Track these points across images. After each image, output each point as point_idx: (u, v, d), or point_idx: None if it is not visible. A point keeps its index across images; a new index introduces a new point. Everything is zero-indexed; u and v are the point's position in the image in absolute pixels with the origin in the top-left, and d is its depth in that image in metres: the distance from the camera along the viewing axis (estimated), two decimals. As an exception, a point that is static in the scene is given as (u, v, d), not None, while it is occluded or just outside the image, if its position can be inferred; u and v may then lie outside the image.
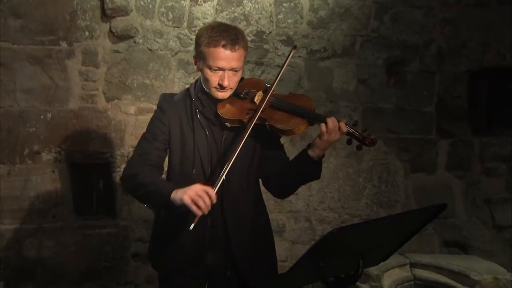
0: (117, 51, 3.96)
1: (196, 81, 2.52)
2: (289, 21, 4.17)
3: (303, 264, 1.98)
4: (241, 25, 4.08)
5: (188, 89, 2.53)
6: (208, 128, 2.44)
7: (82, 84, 3.93)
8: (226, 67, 2.34)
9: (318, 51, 4.24)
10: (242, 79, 2.50)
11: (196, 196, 2.15)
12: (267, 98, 2.40)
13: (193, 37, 3.59)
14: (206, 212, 2.16)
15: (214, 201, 2.18)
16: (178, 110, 2.46)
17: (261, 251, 2.57)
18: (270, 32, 4.15)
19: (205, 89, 2.43)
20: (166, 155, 2.51)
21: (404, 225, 2.18)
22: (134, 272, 3.97)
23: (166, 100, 2.51)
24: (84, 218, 4.02)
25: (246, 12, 4.10)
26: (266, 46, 4.15)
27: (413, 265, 4.09)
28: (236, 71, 2.38)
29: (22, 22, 3.80)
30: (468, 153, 4.54)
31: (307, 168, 2.43)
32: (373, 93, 4.37)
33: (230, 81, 2.37)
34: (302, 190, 4.28)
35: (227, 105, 2.42)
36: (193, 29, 3.97)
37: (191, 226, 2.16)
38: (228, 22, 4.03)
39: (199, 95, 2.46)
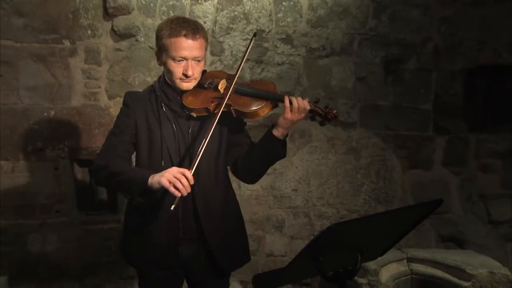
0: (119, 49, 3.96)
1: (159, 77, 2.55)
2: (289, 19, 4.16)
3: (302, 259, 1.99)
4: (241, 24, 4.09)
5: (152, 85, 2.55)
6: (175, 120, 2.47)
7: (85, 82, 3.93)
8: (189, 56, 2.38)
9: (317, 49, 4.23)
10: (204, 71, 2.53)
11: (174, 178, 2.16)
12: (233, 84, 2.43)
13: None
14: (185, 193, 2.17)
15: (192, 181, 2.19)
16: (144, 105, 2.49)
17: (233, 236, 2.58)
18: (270, 30, 4.14)
19: (169, 81, 2.46)
20: (134, 151, 2.52)
21: (401, 221, 2.19)
22: (136, 267, 3.97)
23: (130, 96, 2.55)
24: (87, 213, 4.02)
25: (246, 10, 4.09)
26: (265, 45, 4.15)
27: (410, 259, 4.10)
28: (198, 60, 2.42)
29: (26, 21, 3.79)
30: (464, 149, 4.54)
31: (272, 147, 2.44)
32: (371, 90, 4.37)
33: (194, 70, 2.41)
34: (301, 186, 4.31)
35: (192, 96, 2.45)
36: (193, 27, 3.97)
37: (172, 207, 2.17)
38: (228, 21, 4.06)
39: (164, 89, 2.48)
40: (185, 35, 2.35)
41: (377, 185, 4.44)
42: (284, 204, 4.31)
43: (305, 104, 2.36)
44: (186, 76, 2.40)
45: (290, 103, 2.35)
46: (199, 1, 4.01)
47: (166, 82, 2.49)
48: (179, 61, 2.38)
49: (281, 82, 4.16)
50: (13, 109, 3.83)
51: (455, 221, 4.53)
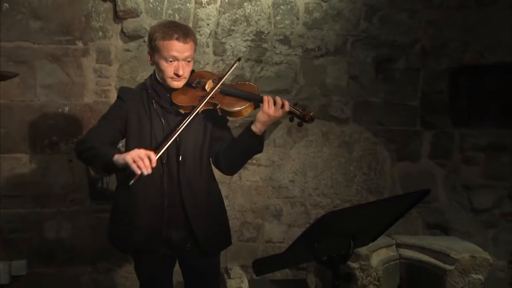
0: (128, 50, 3.96)
1: (151, 75, 2.57)
2: (286, 22, 4.16)
3: (298, 245, 2.00)
4: (242, 26, 4.08)
5: (144, 83, 2.57)
6: (164, 116, 2.49)
7: (96, 80, 3.93)
8: (180, 57, 2.41)
9: (313, 50, 4.23)
10: (192, 71, 2.55)
11: (138, 157, 2.19)
12: (219, 84, 2.48)
13: (198, 36, 3.59)
14: (145, 172, 2.19)
15: (154, 164, 2.22)
16: (136, 101, 2.51)
17: (216, 222, 2.61)
18: (269, 32, 4.14)
19: (161, 80, 2.48)
20: (120, 139, 2.54)
21: (391, 209, 2.19)
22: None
23: (124, 91, 2.58)
24: (98, 203, 4.01)
25: (246, 13, 4.09)
26: (265, 45, 4.15)
27: (399, 245, 4.11)
28: (188, 61, 2.46)
29: (42, 24, 3.80)
30: (449, 143, 4.52)
31: (250, 142, 2.48)
32: (363, 88, 4.36)
33: (184, 70, 2.44)
34: (298, 178, 4.32)
35: (181, 94, 2.49)
36: (197, 29, 3.97)
37: (131, 183, 2.22)
38: (230, 23, 4.06)
39: (155, 87, 2.50)
40: (177, 38, 2.39)
41: (369, 176, 4.44)
42: (282, 194, 4.31)
43: (283, 102, 2.42)
44: (177, 75, 2.43)
45: (268, 101, 2.42)
46: (203, 5, 4.00)
47: (157, 81, 2.51)
48: (171, 61, 2.41)
49: (279, 80, 4.16)
50: (31, 106, 3.84)
51: (441, 209, 4.53)
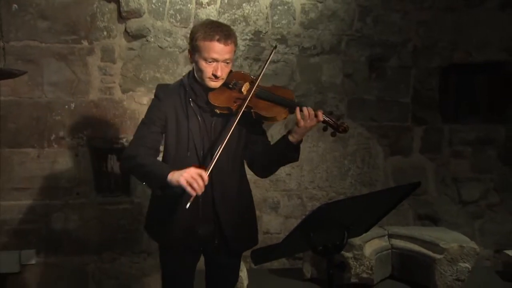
0: (131, 49, 3.97)
1: (189, 73, 2.49)
2: (283, 22, 4.17)
3: (295, 235, 1.99)
4: (241, 26, 4.09)
5: (181, 80, 2.50)
6: (200, 115, 2.42)
7: (101, 77, 3.94)
8: (220, 59, 2.33)
9: (309, 49, 4.24)
10: (230, 71, 2.46)
11: (191, 178, 2.15)
12: (254, 88, 2.39)
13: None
14: (200, 193, 2.16)
15: (206, 182, 2.18)
16: (173, 99, 2.44)
17: (244, 222, 2.56)
18: (266, 31, 4.16)
19: (198, 79, 2.41)
20: (162, 139, 2.48)
21: (383, 201, 2.19)
22: (147, 242, 3.98)
23: (162, 90, 2.49)
24: (104, 195, 4.03)
25: (245, 14, 4.10)
26: (262, 44, 4.16)
27: (390, 236, 4.15)
28: (227, 62, 2.38)
29: (49, 24, 3.81)
30: (439, 138, 4.55)
31: (287, 152, 2.42)
32: (357, 86, 4.38)
33: (223, 71, 2.36)
34: (295, 171, 4.33)
35: (217, 94, 2.40)
36: (198, 29, 3.98)
37: (187, 205, 2.16)
38: (229, 23, 4.02)
39: (192, 85, 2.43)
40: (218, 40, 2.31)
41: (362, 170, 4.45)
42: (279, 187, 4.33)
43: (316, 113, 2.34)
44: (215, 76, 2.35)
45: (301, 111, 2.34)
46: (203, 5, 4.01)
47: (194, 79, 2.44)
48: (210, 62, 2.33)
49: (277, 78, 4.16)
50: (38, 102, 3.85)
51: (431, 201, 4.56)
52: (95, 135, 3.95)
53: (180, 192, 2.23)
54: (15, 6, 3.75)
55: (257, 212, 4.27)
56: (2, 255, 3.80)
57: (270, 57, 2.53)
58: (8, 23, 3.73)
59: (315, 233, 1.99)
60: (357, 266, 3.83)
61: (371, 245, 3.95)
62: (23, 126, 3.84)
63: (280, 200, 4.36)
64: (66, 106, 3.90)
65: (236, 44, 2.40)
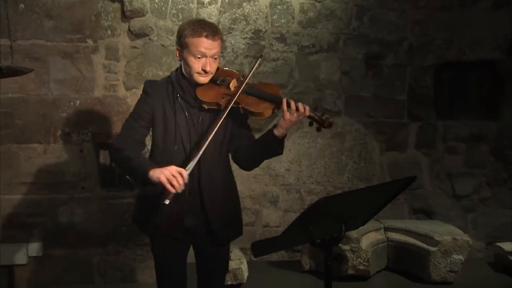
0: (135, 47, 3.97)
1: (177, 69, 2.50)
2: (282, 21, 4.18)
3: (294, 228, 2.00)
4: (241, 24, 4.09)
5: (169, 76, 2.52)
6: (187, 110, 2.43)
7: (105, 75, 3.94)
8: (208, 54, 2.36)
9: (307, 47, 4.25)
10: (217, 68, 2.50)
11: (171, 176, 2.18)
12: (243, 85, 2.41)
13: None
14: (179, 190, 2.18)
15: (186, 180, 2.21)
16: (161, 94, 2.45)
17: (229, 211, 2.58)
18: (266, 30, 4.17)
19: (187, 75, 2.43)
20: (148, 132, 2.51)
21: (380, 195, 2.17)
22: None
23: (150, 85, 2.50)
24: (108, 190, 4.03)
25: (245, 13, 4.11)
26: (262, 43, 4.17)
27: (386, 229, 4.16)
28: (215, 58, 2.40)
29: (55, 23, 3.82)
30: (434, 134, 4.55)
31: (272, 145, 2.43)
32: (354, 83, 4.38)
33: (211, 66, 2.39)
34: (293, 166, 4.35)
35: (206, 90, 2.42)
36: (200, 28, 3.98)
37: (167, 202, 2.20)
38: (230, 22, 4.06)
39: (180, 81, 2.45)
40: (206, 36, 2.34)
41: (359, 165, 4.46)
42: (278, 182, 4.35)
43: (303, 108, 2.35)
44: (204, 71, 2.38)
45: (288, 106, 2.34)
46: (205, 5, 4.01)
47: (182, 75, 2.45)
48: (199, 57, 2.36)
49: (276, 75, 4.18)
50: (44, 99, 3.86)
51: (425, 195, 4.57)
52: (99, 131, 3.96)
53: (160, 189, 2.25)
54: (22, 5, 3.76)
55: (257, 206, 4.37)
56: (11, 248, 3.82)
57: (256, 65, 2.57)
58: (16, 22, 3.74)
59: (314, 226, 1.99)
60: (354, 258, 3.85)
61: (368, 238, 3.97)
62: (30, 123, 3.85)
63: (279, 194, 4.37)
64: (72, 103, 3.91)
65: (222, 40, 2.44)
